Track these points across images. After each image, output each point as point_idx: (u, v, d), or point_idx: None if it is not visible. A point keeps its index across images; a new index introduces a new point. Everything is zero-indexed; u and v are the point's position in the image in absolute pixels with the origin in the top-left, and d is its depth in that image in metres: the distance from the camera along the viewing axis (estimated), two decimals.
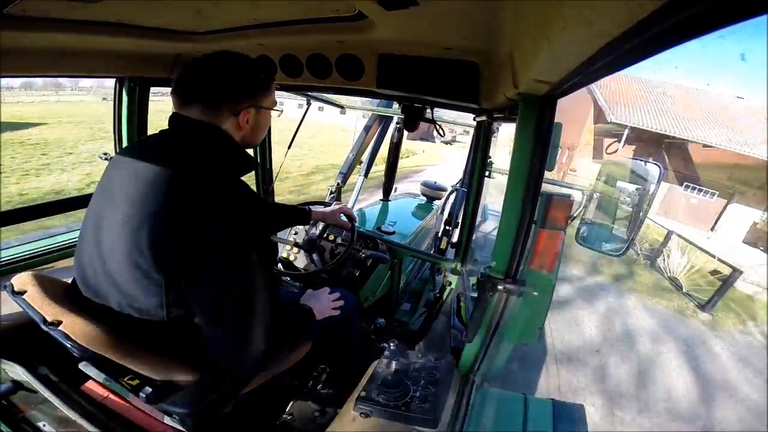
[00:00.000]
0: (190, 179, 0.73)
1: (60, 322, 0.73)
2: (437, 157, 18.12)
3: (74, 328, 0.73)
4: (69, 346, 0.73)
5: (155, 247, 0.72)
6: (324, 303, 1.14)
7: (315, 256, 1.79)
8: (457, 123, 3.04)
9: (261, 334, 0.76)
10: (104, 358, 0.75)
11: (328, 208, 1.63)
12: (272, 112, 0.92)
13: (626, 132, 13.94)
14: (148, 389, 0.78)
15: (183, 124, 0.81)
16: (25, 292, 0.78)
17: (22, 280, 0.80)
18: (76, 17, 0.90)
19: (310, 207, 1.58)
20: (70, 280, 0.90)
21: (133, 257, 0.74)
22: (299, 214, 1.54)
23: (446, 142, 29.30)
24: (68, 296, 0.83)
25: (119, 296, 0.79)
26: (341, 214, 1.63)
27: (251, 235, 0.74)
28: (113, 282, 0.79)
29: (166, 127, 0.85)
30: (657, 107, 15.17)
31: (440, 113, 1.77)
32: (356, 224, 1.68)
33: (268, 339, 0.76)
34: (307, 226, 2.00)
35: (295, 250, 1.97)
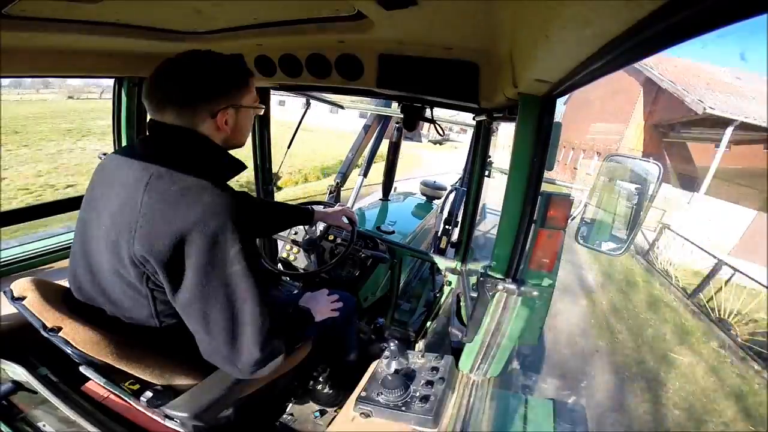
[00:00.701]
0: (167, 190, 0.70)
1: (60, 328, 0.73)
2: (410, 164, 12.89)
3: (74, 334, 0.73)
4: (69, 352, 0.73)
5: (136, 261, 0.69)
6: (323, 304, 1.13)
7: (315, 256, 1.79)
8: (457, 122, 3.04)
9: (253, 342, 0.74)
10: (105, 363, 0.75)
11: (330, 209, 1.62)
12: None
13: (731, 129, 8.82)
14: (149, 393, 0.78)
15: (159, 130, 0.77)
16: (24, 297, 0.78)
17: (21, 285, 0.80)
18: (76, 17, 0.90)
19: (313, 207, 1.58)
20: (68, 282, 0.90)
21: (117, 270, 0.73)
22: (302, 213, 1.54)
23: (434, 143, 25.49)
24: (67, 301, 0.82)
25: (111, 307, 0.79)
26: (343, 216, 1.63)
27: (234, 245, 0.70)
28: (103, 292, 0.78)
29: None
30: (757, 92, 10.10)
31: (436, 112, 1.76)
32: (357, 226, 1.68)
33: (262, 346, 0.74)
34: (307, 226, 2.00)
35: (295, 249, 1.97)
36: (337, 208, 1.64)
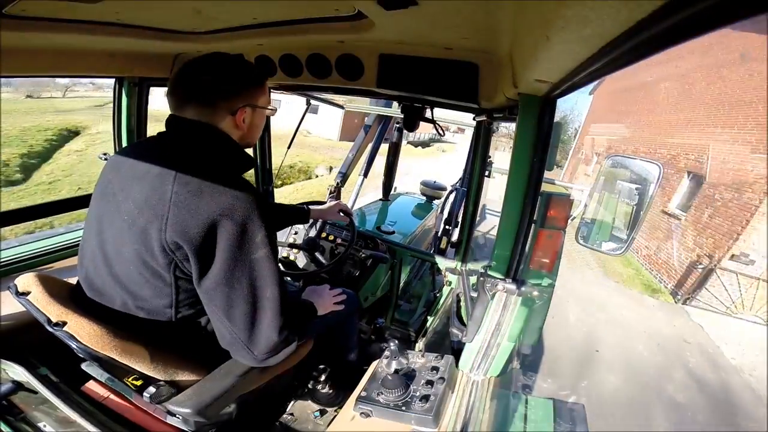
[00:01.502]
0: (195, 181, 0.73)
1: (65, 323, 0.74)
2: (369, 182, 3.75)
3: (79, 328, 0.74)
4: (74, 346, 0.73)
5: (165, 248, 0.72)
6: (325, 298, 1.14)
7: (315, 256, 1.80)
8: (456, 122, 3.04)
9: (272, 327, 0.78)
10: (108, 359, 0.75)
11: (325, 206, 1.65)
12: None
13: None
14: (152, 389, 0.79)
15: (180, 125, 0.81)
16: (29, 292, 0.78)
17: (25, 280, 0.80)
18: (76, 17, 0.90)
19: (308, 206, 1.60)
20: (71, 280, 0.90)
21: (143, 258, 0.75)
22: (298, 212, 1.56)
23: (416, 145, 20.51)
24: (72, 297, 0.83)
25: (126, 297, 0.80)
26: (338, 211, 1.66)
27: (259, 232, 0.75)
28: (120, 284, 0.79)
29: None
30: None
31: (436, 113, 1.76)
32: (354, 220, 1.69)
33: (280, 330, 0.78)
34: (306, 227, 2.01)
35: (295, 250, 1.98)
36: (331, 203, 1.67)
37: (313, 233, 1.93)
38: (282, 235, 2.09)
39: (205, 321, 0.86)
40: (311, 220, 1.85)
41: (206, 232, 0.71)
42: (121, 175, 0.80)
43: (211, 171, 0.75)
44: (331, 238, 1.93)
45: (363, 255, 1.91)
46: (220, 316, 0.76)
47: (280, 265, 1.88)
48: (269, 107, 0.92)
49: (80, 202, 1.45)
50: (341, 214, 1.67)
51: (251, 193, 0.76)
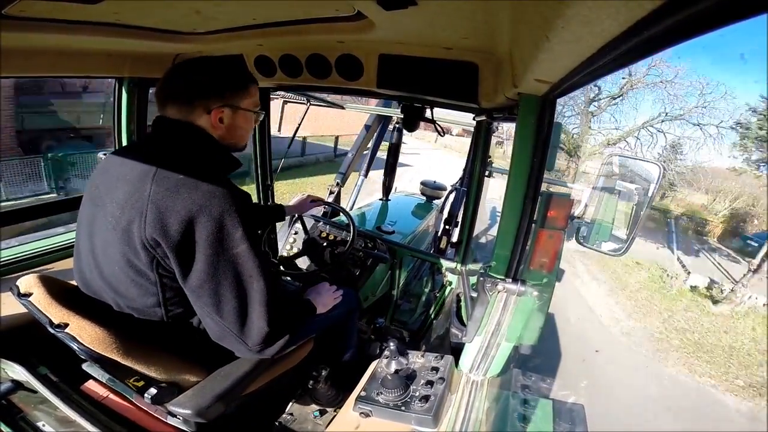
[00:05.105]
0: (172, 178, 0.74)
1: (67, 325, 0.74)
2: None
3: (81, 330, 0.74)
4: (76, 348, 0.73)
5: (146, 245, 0.73)
6: (324, 295, 1.14)
7: (315, 256, 1.80)
8: (459, 123, 3.04)
9: (262, 317, 0.78)
10: (110, 360, 0.75)
11: (295, 201, 1.71)
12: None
13: None
14: (153, 390, 0.79)
15: (162, 124, 0.84)
16: (31, 294, 0.78)
17: (27, 282, 0.80)
18: (76, 17, 0.90)
19: (281, 204, 1.66)
20: (72, 281, 0.90)
21: (128, 257, 0.75)
22: (274, 210, 1.63)
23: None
24: (74, 298, 0.83)
25: (117, 298, 0.80)
26: (310, 201, 1.73)
27: (238, 227, 0.75)
28: (109, 285, 0.80)
29: None
30: None
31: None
32: (353, 219, 1.73)
33: (270, 321, 0.78)
34: (307, 228, 2.02)
35: (295, 249, 1.98)
36: (300, 197, 1.73)
37: (313, 234, 1.93)
38: (281, 239, 2.09)
39: (200, 322, 0.86)
40: (310, 224, 1.88)
41: (184, 229, 0.71)
42: (107, 178, 0.82)
43: (189, 169, 0.76)
44: (331, 237, 1.93)
45: (363, 255, 1.91)
46: (210, 312, 0.77)
47: (281, 267, 1.90)
48: (253, 110, 0.91)
49: (79, 202, 1.44)
50: (312, 203, 1.73)
51: (228, 190, 0.76)
